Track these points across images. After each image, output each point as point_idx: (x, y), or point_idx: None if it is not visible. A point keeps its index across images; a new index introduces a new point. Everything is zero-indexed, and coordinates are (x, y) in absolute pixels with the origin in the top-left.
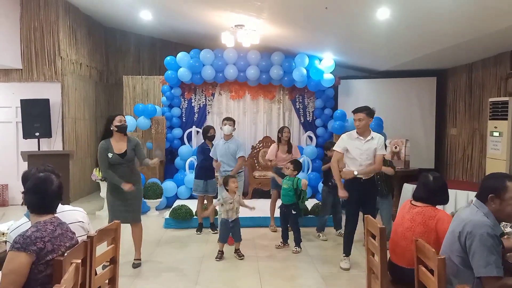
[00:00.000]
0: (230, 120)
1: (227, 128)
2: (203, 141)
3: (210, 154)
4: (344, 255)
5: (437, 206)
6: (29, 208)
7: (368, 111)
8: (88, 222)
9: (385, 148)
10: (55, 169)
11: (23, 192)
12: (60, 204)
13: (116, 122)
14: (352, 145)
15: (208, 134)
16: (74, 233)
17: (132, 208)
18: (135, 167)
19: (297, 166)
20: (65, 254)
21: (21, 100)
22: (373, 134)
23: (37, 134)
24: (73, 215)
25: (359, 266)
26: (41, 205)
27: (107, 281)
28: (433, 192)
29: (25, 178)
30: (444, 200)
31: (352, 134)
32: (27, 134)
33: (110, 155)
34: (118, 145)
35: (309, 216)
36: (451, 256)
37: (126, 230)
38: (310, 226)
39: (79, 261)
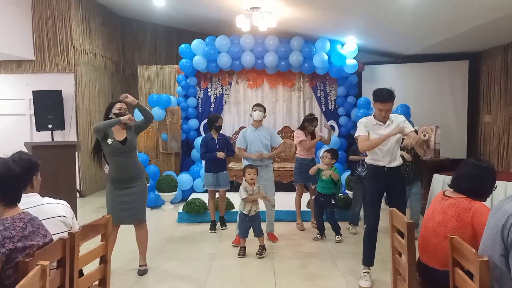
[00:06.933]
0: (260, 106)
1: (257, 114)
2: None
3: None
4: (363, 266)
5: None
6: None
7: (394, 97)
8: (72, 217)
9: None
10: (33, 157)
11: None
12: (38, 196)
13: (115, 109)
14: (373, 132)
15: (216, 124)
16: (47, 230)
17: (134, 207)
18: (138, 160)
19: (335, 154)
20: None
21: (33, 92)
22: (391, 116)
23: (50, 126)
24: (54, 209)
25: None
26: (3, 195)
27: (97, 282)
28: (481, 183)
29: None
30: (490, 192)
31: (371, 120)
32: (40, 126)
33: (109, 141)
34: (119, 132)
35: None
36: (492, 257)
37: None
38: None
39: (47, 263)
